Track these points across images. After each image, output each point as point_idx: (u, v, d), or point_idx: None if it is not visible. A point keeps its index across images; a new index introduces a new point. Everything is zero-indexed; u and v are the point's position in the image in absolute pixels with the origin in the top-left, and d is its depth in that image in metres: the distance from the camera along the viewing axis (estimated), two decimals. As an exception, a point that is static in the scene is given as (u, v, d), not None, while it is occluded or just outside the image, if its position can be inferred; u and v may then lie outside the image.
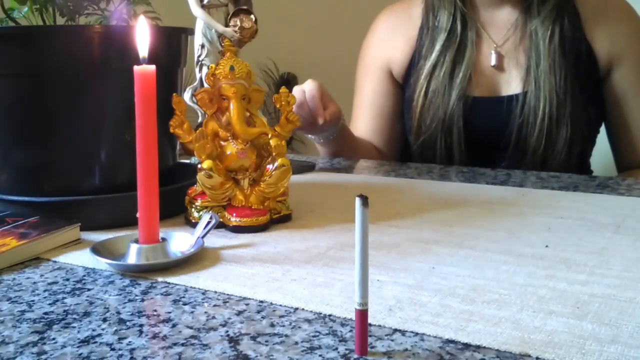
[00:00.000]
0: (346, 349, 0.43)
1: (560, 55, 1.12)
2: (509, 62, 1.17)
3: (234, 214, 0.70)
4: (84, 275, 0.57)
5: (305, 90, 1.08)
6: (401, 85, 1.27)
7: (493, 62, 1.17)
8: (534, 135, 1.12)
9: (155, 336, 0.45)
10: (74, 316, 0.49)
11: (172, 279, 0.56)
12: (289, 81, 2.95)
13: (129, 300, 0.51)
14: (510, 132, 1.14)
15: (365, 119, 1.31)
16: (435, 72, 1.17)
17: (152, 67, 0.57)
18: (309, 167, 1.05)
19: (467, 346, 0.43)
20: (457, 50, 1.16)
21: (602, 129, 1.25)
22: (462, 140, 1.15)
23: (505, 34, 1.18)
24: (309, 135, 1.17)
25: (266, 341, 0.44)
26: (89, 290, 0.54)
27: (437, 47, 1.17)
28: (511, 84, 1.16)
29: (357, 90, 1.34)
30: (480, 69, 1.17)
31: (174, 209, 0.74)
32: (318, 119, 1.08)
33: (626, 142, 1.21)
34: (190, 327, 0.46)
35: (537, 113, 1.11)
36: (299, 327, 0.46)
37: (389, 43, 1.27)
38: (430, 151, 1.19)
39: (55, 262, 0.61)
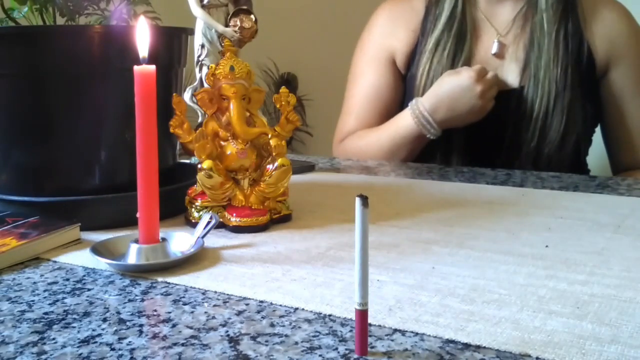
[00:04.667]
0: (346, 349, 0.43)
1: (563, 49, 1.13)
2: (509, 54, 1.18)
3: (234, 214, 0.70)
4: (84, 275, 0.57)
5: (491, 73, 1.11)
6: (403, 77, 1.26)
7: (494, 50, 1.18)
8: (530, 128, 1.13)
9: (155, 336, 0.45)
10: (74, 316, 0.49)
11: (172, 279, 0.56)
12: (289, 81, 2.95)
13: (129, 300, 0.51)
14: (507, 126, 1.14)
15: (367, 111, 1.27)
16: (436, 57, 1.17)
17: (152, 67, 0.57)
18: (309, 167, 1.05)
19: (467, 346, 0.43)
20: (457, 36, 1.17)
21: (598, 129, 1.25)
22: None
23: (508, 24, 1.19)
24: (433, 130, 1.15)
25: (266, 341, 0.44)
26: (89, 290, 0.54)
27: (437, 32, 1.18)
28: (508, 78, 1.16)
29: (356, 80, 1.30)
30: (480, 60, 1.18)
31: (174, 209, 0.74)
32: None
33: (621, 143, 1.22)
34: (190, 327, 0.46)
35: (533, 107, 1.12)
36: (299, 327, 0.46)
37: (392, 34, 1.26)
38: None
39: (55, 262, 0.61)
